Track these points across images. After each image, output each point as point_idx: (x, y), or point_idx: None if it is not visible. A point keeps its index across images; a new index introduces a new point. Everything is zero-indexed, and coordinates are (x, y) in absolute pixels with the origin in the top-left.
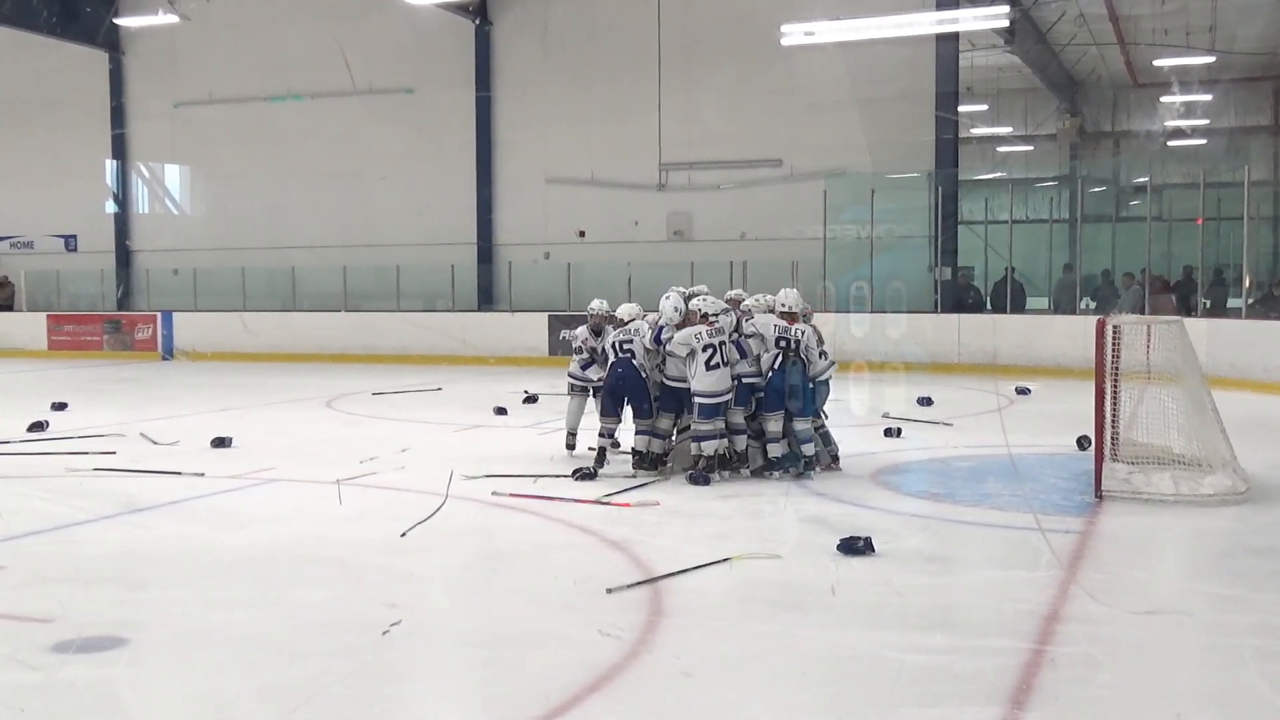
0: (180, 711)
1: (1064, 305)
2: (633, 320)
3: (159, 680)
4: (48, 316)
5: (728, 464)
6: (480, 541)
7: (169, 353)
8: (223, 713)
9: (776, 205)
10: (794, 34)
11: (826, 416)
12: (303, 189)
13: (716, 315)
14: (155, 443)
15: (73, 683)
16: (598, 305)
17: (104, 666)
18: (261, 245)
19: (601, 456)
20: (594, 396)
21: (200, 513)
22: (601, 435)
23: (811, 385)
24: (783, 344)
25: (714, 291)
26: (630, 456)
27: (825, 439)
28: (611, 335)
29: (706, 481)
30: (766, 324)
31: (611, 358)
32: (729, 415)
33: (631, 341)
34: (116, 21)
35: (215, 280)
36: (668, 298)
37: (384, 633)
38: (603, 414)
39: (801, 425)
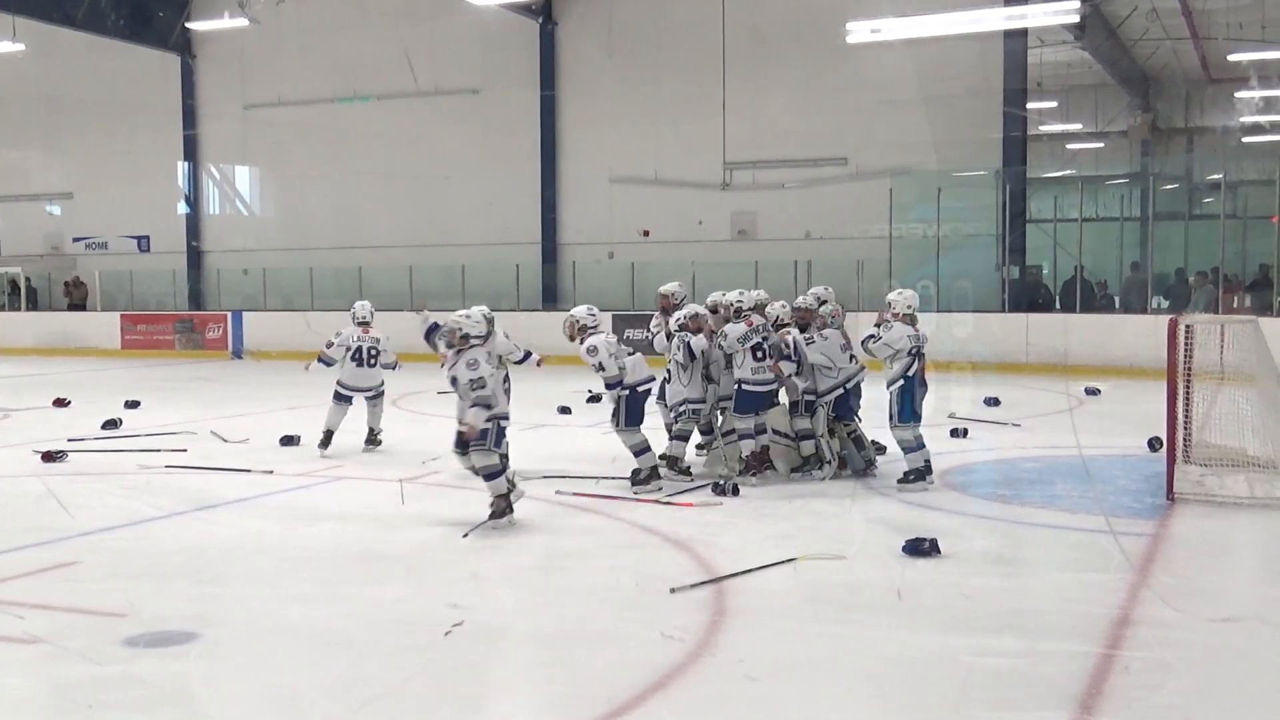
0: (250, 705)
1: (1133, 304)
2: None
3: (230, 674)
4: (121, 316)
5: (758, 467)
6: (543, 541)
7: (239, 352)
8: (292, 707)
9: (842, 204)
10: (860, 31)
11: (859, 420)
12: (370, 189)
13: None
14: (225, 440)
15: (145, 676)
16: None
17: (176, 661)
18: (329, 245)
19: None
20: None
21: (269, 510)
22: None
23: (845, 390)
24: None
25: (778, 292)
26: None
27: (859, 443)
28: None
29: (736, 492)
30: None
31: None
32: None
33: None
34: (188, 25)
35: (284, 280)
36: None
37: (446, 633)
38: None
39: (801, 424)
